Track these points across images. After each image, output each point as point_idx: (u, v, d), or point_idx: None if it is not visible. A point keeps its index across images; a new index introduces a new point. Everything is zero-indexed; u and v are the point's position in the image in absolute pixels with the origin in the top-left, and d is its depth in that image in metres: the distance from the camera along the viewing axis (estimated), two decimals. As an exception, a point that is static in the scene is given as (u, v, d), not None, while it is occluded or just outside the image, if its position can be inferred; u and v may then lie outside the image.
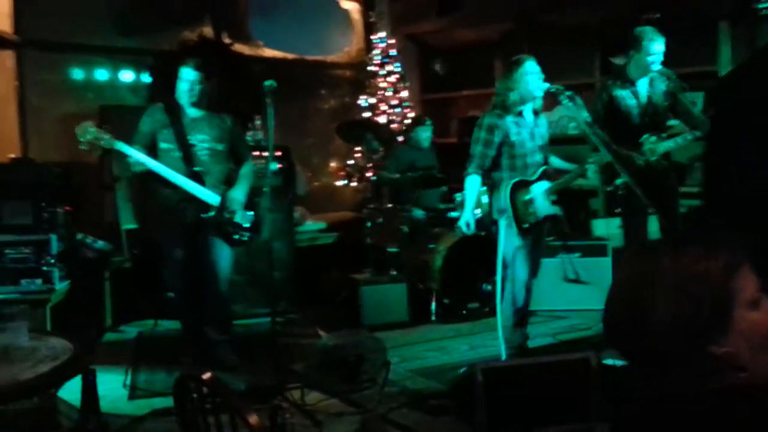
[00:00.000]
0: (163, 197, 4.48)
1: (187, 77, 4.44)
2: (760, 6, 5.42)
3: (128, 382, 4.36)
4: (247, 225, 4.54)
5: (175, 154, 4.42)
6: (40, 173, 4.93)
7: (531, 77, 4.29)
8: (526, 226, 4.31)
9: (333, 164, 7.90)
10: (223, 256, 4.56)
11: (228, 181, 4.58)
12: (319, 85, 7.90)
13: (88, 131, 4.13)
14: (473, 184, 4.39)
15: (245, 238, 4.56)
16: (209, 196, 4.42)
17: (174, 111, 4.48)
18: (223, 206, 4.45)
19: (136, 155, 4.27)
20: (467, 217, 4.42)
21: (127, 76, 6.49)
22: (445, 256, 5.55)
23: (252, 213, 4.58)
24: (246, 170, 4.67)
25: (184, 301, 4.59)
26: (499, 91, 4.41)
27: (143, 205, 5.75)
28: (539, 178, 4.39)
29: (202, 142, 4.48)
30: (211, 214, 4.43)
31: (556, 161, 4.62)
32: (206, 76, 4.48)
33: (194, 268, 4.51)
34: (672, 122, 5.26)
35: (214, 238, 4.51)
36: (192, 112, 4.51)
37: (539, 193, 4.36)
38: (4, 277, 4.53)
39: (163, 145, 4.44)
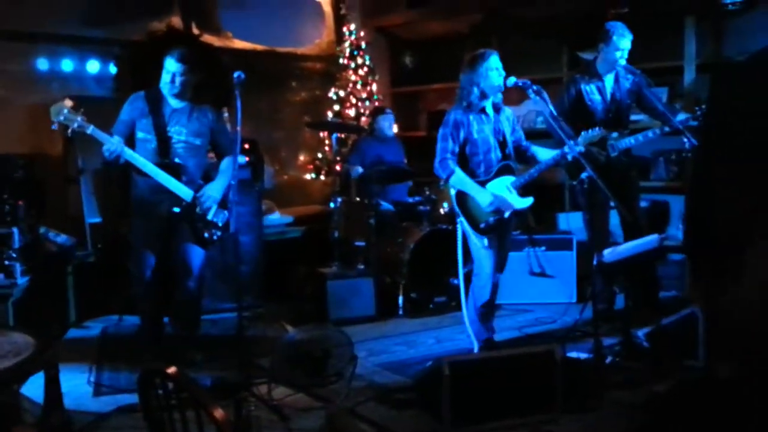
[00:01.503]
0: (135, 187, 4.42)
1: (170, 68, 4.35)
2: (726, 2, 5.49)
3: (92, 378, 4.31)
4: (220, 223, 4.48)
5: (151, 145, 4.35)
6: (2, 165, 4.86)
7: (495, 74, 4.31)
8: (483, 226, 4.33)
9: (302, 157, 7.86)
10: (196, 252, 4.50)
11: (206, 177, 4.53)
12: (289, 77, 7.84)
13: (63, 112, 4.01)
14: (461, 175, 4.34)
15: (215, 237, 4.49)
16: (182, 189, 4.36)
17: (155, 100, 4.40)
18: (196, 202, 4.40)
19: (109, 141, 4.15)
20: (487, 197, 4.32)
21: (93, 66, 6.38)
22: (412, 250, 5.57)
23: (226, 212, 4.48)
24: (225, 165, 4.57)
25: (148, 294, 4.52)
26: (463, 84, 4.41)
27: (111, 196, 5.68)
28: (499, 174, 4.41)
29: (179, 134, 4.41)
30: (179, 209, 4.36)
31: (538, 150, 4.62)
32: (190, 68, 4.39)
33: (163, 262, 4.46)
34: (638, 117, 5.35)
35: (185, 233, 4.45)
36: (174, 103, 4.44)
37: (501, 189, 4.38)
38: (-36, 271, 4.46)
39: (140, 135, 4.37)
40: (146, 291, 4.50)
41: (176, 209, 4.35)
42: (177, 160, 4.36)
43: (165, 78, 4.37)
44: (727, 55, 5.87)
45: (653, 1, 5.95)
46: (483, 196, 4.31)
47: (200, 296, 4.69)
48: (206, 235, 4.45)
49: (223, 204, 4.49)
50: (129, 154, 4.23)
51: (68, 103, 4.05)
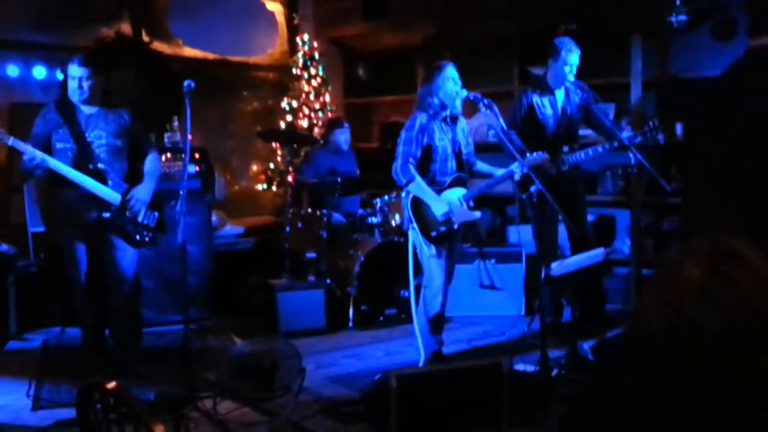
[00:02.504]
0: (61, 196, 4.34)
1: (74, 74, 4.27)
2: (671, 20, 5.63)
3: (32, 392, 4.20)
4: (151, 224, 4.43)
5: (71, 153, 4.27)
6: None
7: (451, 83, 4.35)
8: (434, 234, 4.35)
9: (254, 167, 7.80)
10: (127, 257, 4.43)
11: (132, 179, 4.45)
12: (241, 86, 7.79)
13: None
14: (420, 182, 4.34)
15: (148, 239, 4.44)
16: (109, 194, 4.29)
17: (67, 109, 4.32)
18: (124, 205, 4.33)
19: (31, 151, 4.08)
20: (442, 207, 4.34)
21: (39, 72, 6.24)
22: (363, 262, 5.56)
23: (156, 213, 4.46)
24: (150, 166, 4.51)
25: (84, 304, 4.44)
26: (420, 95, 4.45)
27: (46, 205, 5.55)
28: (452, 185, 4.45)
29: (99, 138, 4.33)
30: (109, 214, 4.30)
31: (483, 166, 4.67)
32: (95, 70, 4.32)
33: (95, 270, 4.38)
34: (586, 132, 5.44)
35: (116, 238, 4.38)
36: (86, 110, 4.36)
37: (453, 200, 4.41)
38: None
39: (59, 145, 4.28)
40: (83, 299, 4.42)
41: (106, 214, 4.29)
42: (100, 165, 4.29)
43: (72, 85, 4.30)
44: (672, 72, 6.02)
45: (600, 18, 6.07)
46: (438, 206, 4.33)
47: (137, 303, 4.60)
48: (138, 237, 4.40)
49: (153, 206, 4.44)
50: (52, 162, 4.15)
51: None
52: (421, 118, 4.39)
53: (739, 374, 1.22)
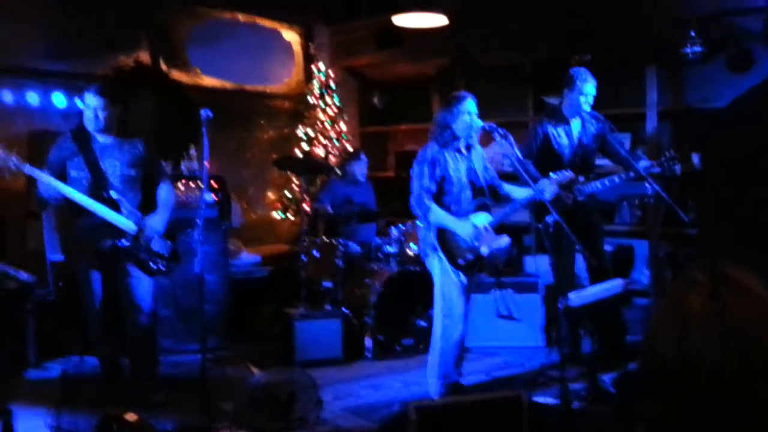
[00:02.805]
0: (76, 224, 4.37)
1: (90, 103, 4.33)
2: (686, 51, 5.65)
3: (51, 422, 4.18)
4: (165, 253, 4.45)
5: (86, 182, 4.32)
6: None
7: (467, 117, 4.36)
8: (462, 262, 4.34)
9: (270, 195, 7.83)
10: (143, 286, 4.45)
11: (145, 208, 4.48)
12: (258, 115, 7.85)
13: None
14: (438, 211, 4.33)
15: (164, 268, 4.46)
16: (124, 222, 4.32)
17: (83, 138, 4.37)
18: (139, 234, 4.36)
19: (47, 179, 4.14)
20: (468, 228, 4.34)
21: (59, 100, 6.31)
22: (380, 291, 5.55)
23: (170, 243, 4.49)
24: (163, 194, 4.56)
25: (101, 334, 4.46)
26: (437, 124, 4.46)
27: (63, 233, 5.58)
28: (476, 212, 4.43)
29: (113, 167, 4.38)
30: (124, 242, 4.32)
31: (510, 188, 4.65)
32: (111, 101, 4.37)
33: (111, 299, 4.40)
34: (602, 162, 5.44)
35: (132, 267, 4.40)
36: (101, 139, 4.41)
37: (479, 226, 4.40)
38: None
39: (73, 173, 4.33)
40: (99, 328, 4.44)
41: (121, 242, 4.31)
42: (114, 194, 4.32)
43: (88, 114, 4.35)
44: (688, 103, 6.02)
45: (615, 49, 6.10)
46: (464, 228, 4.32)
47: (154, 333, 4.62)
48: (153, 265, 4.42)
49: (167, 235, 4.47)
50: (69, 190, 4.20)
51: None
52: (431, 149, 4.39)
53: (742, 403, 1.23)
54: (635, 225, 6.19)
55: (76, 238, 4.44)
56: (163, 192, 4.57)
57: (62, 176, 4.30)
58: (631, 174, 4.91)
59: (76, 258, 4.52)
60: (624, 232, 6.25)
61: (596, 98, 5.04)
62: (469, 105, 4.38)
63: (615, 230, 6.16)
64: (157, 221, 4.44)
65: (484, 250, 4.37)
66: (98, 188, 4.29)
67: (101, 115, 4.33)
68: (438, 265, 4.42)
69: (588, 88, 4.97)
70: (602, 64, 5.77)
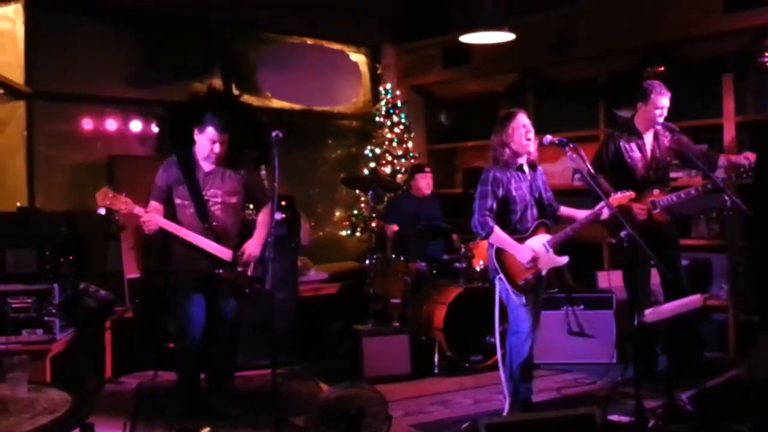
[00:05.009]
0: (175, 252, 4.55)
1: (211, 136, 4.47)
2: (763, 59, 5.47)
3: (126, 433, 4.31)
4: (261, 277, 4.53)
5: (189, 210, 4.50)
6: (46, 223, 4.97)
7: (521, 131, 4.31)
8: (522, 283, 4.28)
9: (338, 214, 7.92)
10: (234, 308, 4.62)
11: (244, 233, 4.64)
12: (326, 135, 7.99)
13: (108, 199, 4.24)
14: (500, 233, 4.28)
15: (255, 291, 4.57)
16: (222, 251, 4.48)
17: (188, 165, 4.53)
18: (236, 260, 4.51)
19: (148, 217, 4.34)
20: (527, 253, 4.28)
21: (136, 126, 6.55)
22: (448, 307, 5.51)
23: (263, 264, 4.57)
24: (263, 217, 4.72)
25: (190, 350, 4.57)
26: (493, 145, 4.42)
27: (150, 257, 5.76)
28: (535, 232, 4.38)
29: (215, 197, 4.54)
30: (221, 270, 4.48)
31: (567, 210, 4.58)
32: (229, 136, 4.53)
33: (204, 318, 4.54)
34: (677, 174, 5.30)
35: (225, 291, 4.56)
36: (205, 166, 4.57)
37: (538, 246, 4.34)
38: (5, 326, 4.52)
39: (177, 201, 4.53)
40: (188, 347, 4.56)
41: (218, 270, 4.47)
42: (215, 222, 4.49)
43: (204, 144, 4.49)
44: (767, 113, 5.82)
45: (690, 59, 5.95)
46: (522, 253, 4.28)
47: (237, 350, 4.76)
48: (247, 291, 4.55)
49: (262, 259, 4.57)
50: (166, 224, 4.40)
51: (109, 192, 4.27)
52: (494, 171, 4.35)
53: None
54: (713, 238, 5.98)
55: (175, 265, 4.60)
56: (263, 214, 4.73)
57: (168, 201, 4.53)
58: (709, 186, 4.77)
59: (174, 278, 4.66)
60: (701, 246, 6.04)
61: (671, 109, 4.92)
62: (522, 119, 4.33)
63: (692, 244, 5.97)
64: (254, 246, 4.59)
65: (542, 270, 4.31)
66: (200, 218, 4.48)
67: (218, 148, 4.48)
68: (499, 285, 4.38)
69: (663, 101, 4.87)
70: (676, 75, 5.64)
